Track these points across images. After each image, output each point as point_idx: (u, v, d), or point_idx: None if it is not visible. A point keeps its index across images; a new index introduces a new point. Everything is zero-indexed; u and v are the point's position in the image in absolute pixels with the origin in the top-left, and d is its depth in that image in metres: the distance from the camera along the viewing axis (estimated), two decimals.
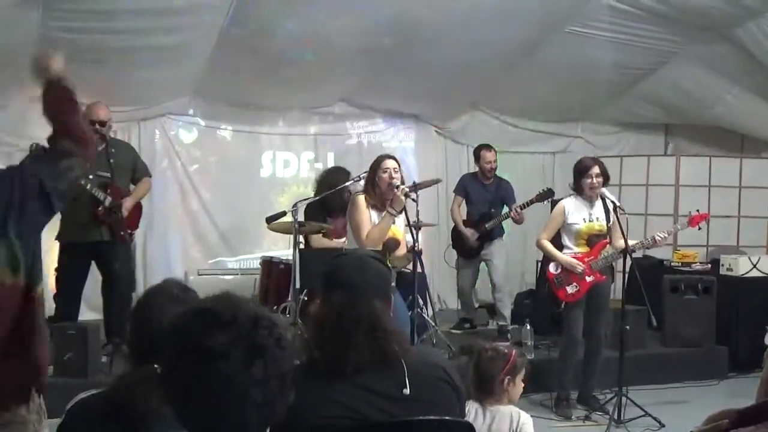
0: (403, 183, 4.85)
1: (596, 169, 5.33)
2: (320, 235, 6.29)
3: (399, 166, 4.91)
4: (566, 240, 5.48)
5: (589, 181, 5.31)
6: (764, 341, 6.25)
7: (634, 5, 6.40)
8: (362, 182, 5.07)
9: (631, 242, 5.27)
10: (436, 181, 6.94)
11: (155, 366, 1.81)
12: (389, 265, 4.79)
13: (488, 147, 7.29)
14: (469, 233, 7.10)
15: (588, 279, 5.35)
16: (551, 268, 5.46)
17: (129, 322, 2.08)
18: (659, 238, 5.36)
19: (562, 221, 5.45)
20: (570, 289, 5.38)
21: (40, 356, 2.52)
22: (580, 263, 5.35)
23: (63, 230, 5.77)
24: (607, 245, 5.39)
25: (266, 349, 1.35)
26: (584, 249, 5.41)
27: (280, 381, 1.37)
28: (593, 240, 5.41)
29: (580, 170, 5.39)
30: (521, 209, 6.85)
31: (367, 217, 4.71)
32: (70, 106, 2.58)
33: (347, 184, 5.86)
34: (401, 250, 4.89)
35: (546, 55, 7.24)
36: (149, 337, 1.90)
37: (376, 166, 4.84)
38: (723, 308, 6.66)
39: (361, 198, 4.78)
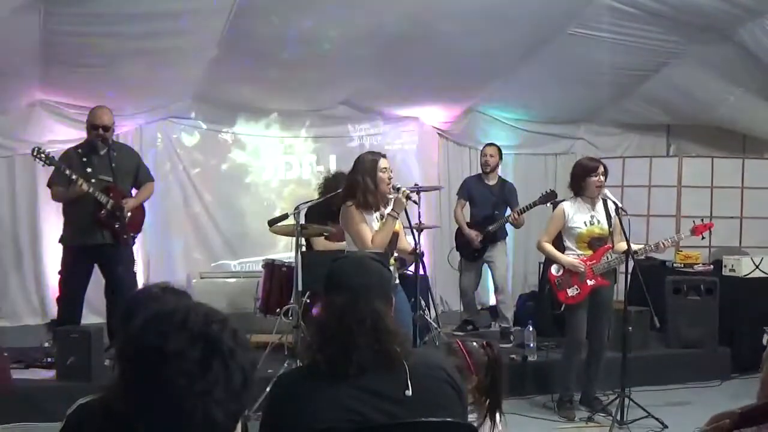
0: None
1: (602, 168, 5.34)
2: (323, 237, 6.29)
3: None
4: (568, 242, 5.46)
5: (596, 179, 5.30)
6: (763, 342, 6.25)
7: (635, 6, 6.39)
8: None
9: (635, 247, 5.27)
10: (437, 188, 6.93)
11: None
12: (396, 256, 4.79)
13: (490, 144, 7.45)
14: (474, 235, 7.10)
15: (589, 282, 5.33)
16: (553, 270, 5.46)
17: (117, 325, 2.09)
18: (662, 246, 5.36)
19: (562, 224, 5.44)
20: (571, 292, 5.37)
21: None
22: (582, 263, 5.35)
23: (66, 234, 5.79)
24: (610, 249, 5.38)
25: (222, 344, 1.35)
26: (586, 252, 5.40)
27: (243, 374, 1.37)
28: (595, 243, 5.40)
29: (585, 171, 5.36)
30: (524, 211, 6.86)
31: (365, 224, 4.62)
32: None
33: None
34: (402, 242, 4.85)
35: (548, 57, 7.24)
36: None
37: (373, 166, 4.66)
38: (725, 309, 6.64)
39: (353, 207, 4.63)
